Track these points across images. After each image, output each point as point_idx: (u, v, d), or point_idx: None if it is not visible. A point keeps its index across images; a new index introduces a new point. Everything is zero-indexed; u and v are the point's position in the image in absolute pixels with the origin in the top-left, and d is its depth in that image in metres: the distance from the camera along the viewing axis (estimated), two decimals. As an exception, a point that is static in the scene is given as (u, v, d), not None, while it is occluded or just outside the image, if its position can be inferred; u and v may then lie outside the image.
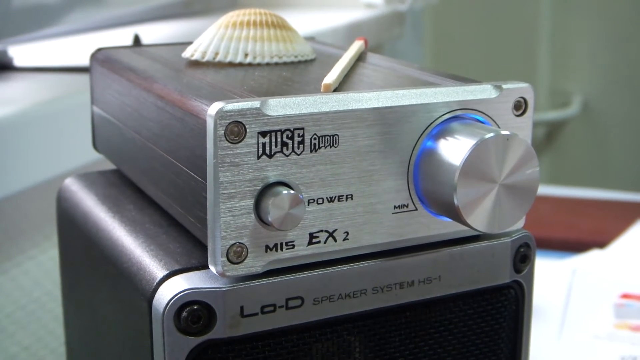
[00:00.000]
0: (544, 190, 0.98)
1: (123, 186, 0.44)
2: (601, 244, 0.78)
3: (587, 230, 0.84)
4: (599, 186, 1.13)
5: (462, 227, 0.35)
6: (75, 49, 0.80)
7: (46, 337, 0.63)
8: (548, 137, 1.59)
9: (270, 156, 0.31)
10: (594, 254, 0.76)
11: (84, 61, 0.50)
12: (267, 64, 0.41)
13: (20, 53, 0.73)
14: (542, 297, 0.66)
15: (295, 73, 0.40)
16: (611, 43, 1.49)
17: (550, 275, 0.71)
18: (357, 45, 0.43)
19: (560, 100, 1.56)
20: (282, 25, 0.42)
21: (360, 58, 0.43)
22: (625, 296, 0.67)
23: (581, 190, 1.02)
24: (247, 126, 0.30)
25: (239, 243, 0.31)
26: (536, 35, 1.55)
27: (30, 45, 0.80)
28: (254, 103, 0.30)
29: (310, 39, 0.50)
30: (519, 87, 0.35)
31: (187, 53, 0.42)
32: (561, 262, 0.74)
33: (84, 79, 0.54)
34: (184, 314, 0.31)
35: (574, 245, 0.79)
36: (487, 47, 1.55)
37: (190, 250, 0.35)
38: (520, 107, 0.35)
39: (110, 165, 0.46)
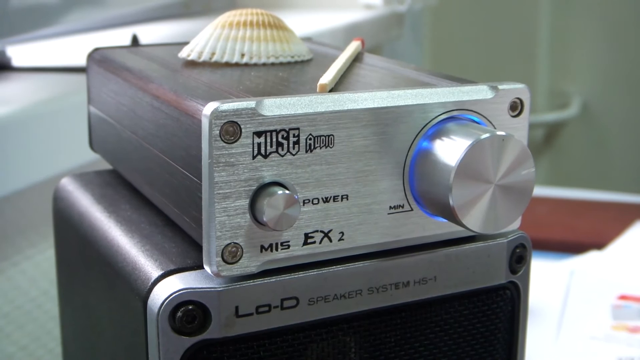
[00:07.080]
0: (543, 191, 0.98)
1: (119, 186, 0.44)
2: (599, 245, 0.78)
3: (585, 231, 0.84)
4: (598, 187, 1.13)
5: (457, 228, 0.35)
6: (73, 49, 0.80)
7: (43, 337, 0.63)
8: (547, 139, 1.59)
9: (265, 156, 0.31)
10: (592, 256, 0.76)
11: (82, 61, 0.50)
12: (264, 64, 0.41)
13: (18, 53, 0.73)
14: (539, 298, 0.66)
15: (291, 73, 0.39)
16: (610, 44, 1.49)
17: (548, 276, 0.71)
18: (353, 46, 0.43)
19: (560, 102, 1.56)
20: (278, 26, 0.42)
21: (356, 58, 0.43)
22: (622, 297, 0.67)
23: (580, 191, 1.02)
24: (242, 126, 0.30)
25: (234, 243, 0.31)
26: (535, 36, 1.55)
27: (28, 45, 0.80)
28: (249, 103, 0.30)
29: (307, 39, 0.50)
30: (514, 88, 0.35)
31: (184, 53, 0.42)
32: (559, 263, 0.74)
33: (81, 79, 0.54)
34: (179, 314, 0.31)
35: (572, 246, 0.79)
36: (486, 48, 1.55)
37: (186, 250, 0.34)
38: (516, 107, 0.35)
39: (106, 165, 0.46)
